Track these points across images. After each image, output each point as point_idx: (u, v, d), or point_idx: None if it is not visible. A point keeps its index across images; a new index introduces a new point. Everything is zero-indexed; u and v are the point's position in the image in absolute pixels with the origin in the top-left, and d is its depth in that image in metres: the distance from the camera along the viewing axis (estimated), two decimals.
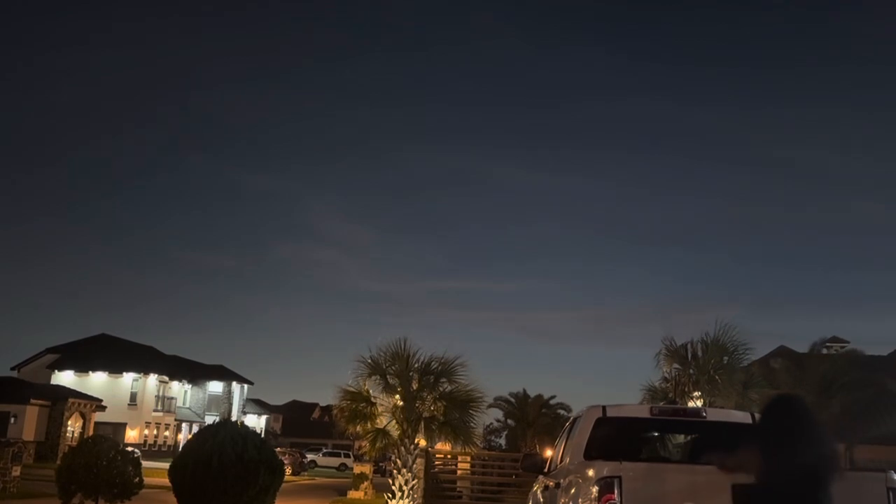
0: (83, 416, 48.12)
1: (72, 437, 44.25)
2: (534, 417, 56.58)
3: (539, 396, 58.43)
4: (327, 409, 76.11)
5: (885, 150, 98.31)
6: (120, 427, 54.04)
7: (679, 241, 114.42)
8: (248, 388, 74.40)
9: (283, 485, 12.69)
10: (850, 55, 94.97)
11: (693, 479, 5.07)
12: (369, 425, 17.86)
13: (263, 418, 77.18)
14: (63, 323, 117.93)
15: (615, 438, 6.67)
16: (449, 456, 21.86)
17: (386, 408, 18.01)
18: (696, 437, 7.07)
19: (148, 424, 60.47)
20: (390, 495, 17.70)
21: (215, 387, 70.33)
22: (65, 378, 57.31)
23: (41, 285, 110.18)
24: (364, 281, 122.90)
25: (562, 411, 56.57)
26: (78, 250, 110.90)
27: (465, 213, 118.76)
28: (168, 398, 63.85)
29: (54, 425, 44.90)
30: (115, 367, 59.09)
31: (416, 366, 17.84)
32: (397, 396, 17.83)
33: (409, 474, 17.66)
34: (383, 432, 17.77)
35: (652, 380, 22.66)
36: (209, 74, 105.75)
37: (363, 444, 18.49)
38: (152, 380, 60.90)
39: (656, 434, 7.59)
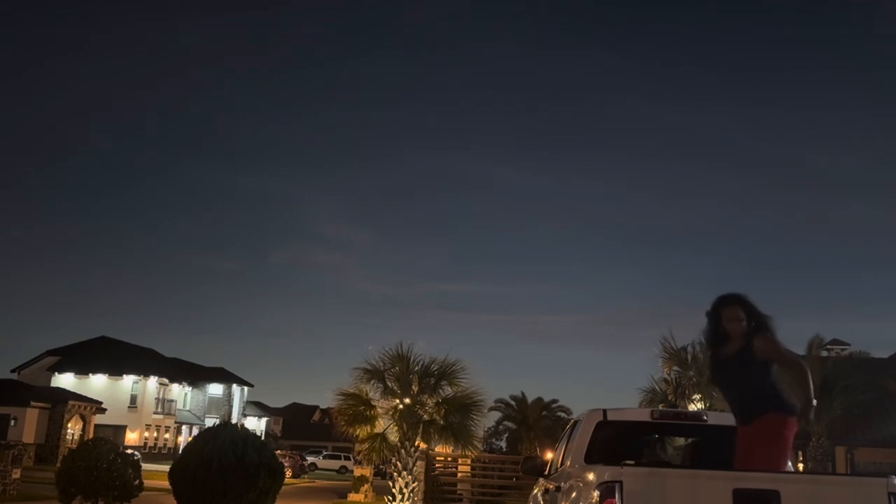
0: (83, 418, 48.12)
1: (72, 440, 44.25)
2: (534, 420, 56.61)
3: (539, 399, 58.49)
4: (327, 412, 76.14)
5: (889, 151, 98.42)
6: (120, 429, 54.00)
7: (680, 242, 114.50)
8: (249, 391, 74.38)
9: (283, 487, 12.68)
10: (852, 56, 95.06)
11: (694, 484, 5.07)
12: (369, 429, 17.86)
13: (264, 421, 77.15)
14: (63, 325, 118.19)
15: (616, 442, 6.67)
16: (449, 458, 21.85)
17: (386, 410, 18.01)
18: (697, 441, 7.06)
19: (148, 427, 60.43)
20: (391, 498, 17.68)
21: (215, 389, 70.30)
22: (65, 380, 57.32)
23: (41, 287, 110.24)
24: (364, 283, 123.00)
25: (562, 414, 56.65)
26: (78, 252, 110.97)
27: (466, 215, 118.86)
28: (168, 400, 63.82)
29: (54, 428, 44.89)
30: (116, 370, 59.07)
31: (416, 369, 17.84)
32: (397, 400, 17.83)
33: (410, 477, 17.64)
34: (382, 437, 17.77)
35: (654, 380, 22.69)
36: (210, 75, 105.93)
37: (363, 447, 18.42)
38: (152, 382, 60.89)
39: (657, 438, 7.57)
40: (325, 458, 64.48)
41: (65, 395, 48.11)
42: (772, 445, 5.52)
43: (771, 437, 5.52)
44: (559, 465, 6.98)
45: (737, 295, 5.86)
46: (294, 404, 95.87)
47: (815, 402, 5.51)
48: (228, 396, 70.27)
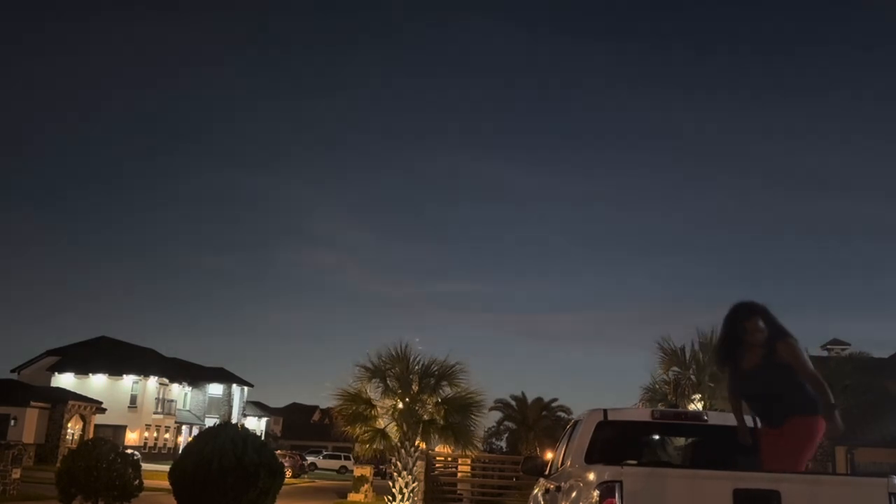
0: (83, 418, 48.11)
1: (72, 440, 44.24)
2: (534, 420, 56.62)
3: (539, 399, 58.49)
4: (328, 412, 76.12)
5: (890, 151, 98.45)
6: (120, 429, 53.98)
7: (679, 242, 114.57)
8: (249, 391, 74.34)
9: (283, 487, 12.67)
10: (857, 56, 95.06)
11: (694, 484, 5.07)
12: (369, 427, 17.85)
13: (264, 421, 77.10)
14: (63, 325, 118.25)
15: (616, 442, 6.66)
16: (449, 458, 21.84)
17: (386, 410, 18.00)
18: (697, 441, 7.06)
19: (148, 427, 60.41)
20: (391, 498, 17.68)
21: (215, 389, 70.27)
22: (65, 380, 57.28)
23: (41, 287, 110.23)
24: (364, 283, 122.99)
25: (562, 414, 56.67)
26: (78, 252, 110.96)
27: (467, 215, 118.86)
28: (168, 400, 63.79)
29: (54, 428, 44.88)
30: (116, 370, 59.05)
31: (416, 369, 17.84)
32: (397, 399, 17.82)
33: (410, 477, 17.64)
34: (382, 433, 17.76)
35: (654, 378, 22.62)
36: (209, 74, 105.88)
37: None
38: (152, 382, 60.86)
39: (657, 438, 7.57)
40: (325, 458, 64.54)
41: (65, 395, 48.08)
42: (799, 447, 5.62)
43: (799, 439, 5.61)
44: (559, 465, 6.98)
45: (754, 305, 5.97)
46: (294, 404, 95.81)
47: (834, 403, 5.61)
48: (228, 396, 70.23)
